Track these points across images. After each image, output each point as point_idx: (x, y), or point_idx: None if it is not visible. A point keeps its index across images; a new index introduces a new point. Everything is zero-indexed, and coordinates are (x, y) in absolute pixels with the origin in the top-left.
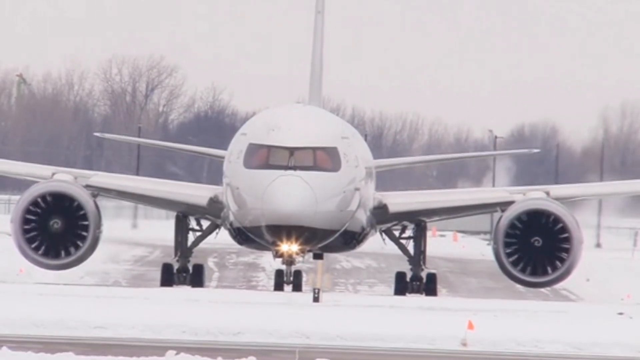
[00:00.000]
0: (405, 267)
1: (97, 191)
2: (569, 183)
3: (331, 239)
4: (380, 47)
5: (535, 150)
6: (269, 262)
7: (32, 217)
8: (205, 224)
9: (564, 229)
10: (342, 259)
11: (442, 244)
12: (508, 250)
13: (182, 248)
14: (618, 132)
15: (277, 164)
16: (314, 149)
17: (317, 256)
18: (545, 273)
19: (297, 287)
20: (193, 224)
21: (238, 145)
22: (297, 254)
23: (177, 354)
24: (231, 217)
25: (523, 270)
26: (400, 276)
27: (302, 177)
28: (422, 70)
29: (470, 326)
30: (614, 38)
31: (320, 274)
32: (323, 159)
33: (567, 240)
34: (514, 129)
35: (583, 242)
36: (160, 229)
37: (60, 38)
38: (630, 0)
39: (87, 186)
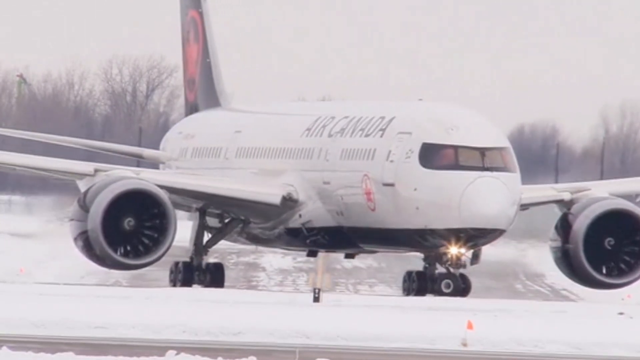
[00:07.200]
0: (410, 267)
1: None
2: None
3: None
4: (380, 46)
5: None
6: (269, 262)
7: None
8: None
9: None
10: (342, 259)
11: None
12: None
13: (198, 245)
14: (618, 132)
15: (469, 164)
16: (500, 149)
17: (349, 256)
18: (622, 274)
19: (464, 291)
20: (212, 222)
21: (400, 144)
22: (463, 256)
23: (177, 354)
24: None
25: (603, 272)
26: (419, 275)
27: (500, 179)
28: (422, 70)
29: (470, 326)
30: (614, 38)
31: (321, 274)
32: (508, 159)
33: None
34: (514, 129)
35: None
36: None
37: (60, 38)
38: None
39: None
